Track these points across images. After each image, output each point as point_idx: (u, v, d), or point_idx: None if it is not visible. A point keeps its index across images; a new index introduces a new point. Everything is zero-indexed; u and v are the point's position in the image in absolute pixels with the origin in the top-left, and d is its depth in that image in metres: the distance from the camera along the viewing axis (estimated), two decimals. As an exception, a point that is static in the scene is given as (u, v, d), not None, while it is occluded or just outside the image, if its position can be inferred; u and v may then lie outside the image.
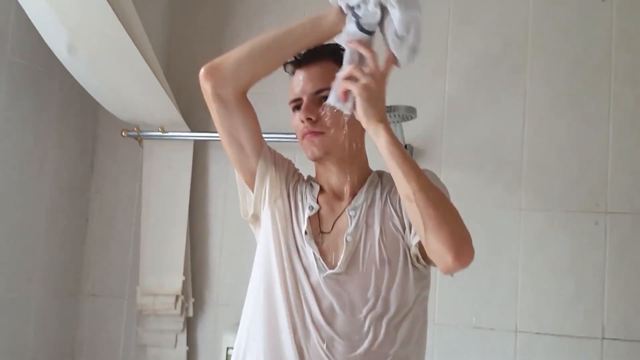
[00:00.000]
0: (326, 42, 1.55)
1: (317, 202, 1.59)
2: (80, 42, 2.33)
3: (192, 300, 2.72)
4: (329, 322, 1.45)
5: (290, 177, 1.66)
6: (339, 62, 1.46)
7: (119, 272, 2.83)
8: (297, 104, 1.57)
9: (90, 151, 2.93)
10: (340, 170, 1.58)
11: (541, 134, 2.47)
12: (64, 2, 2.19)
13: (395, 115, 2.32)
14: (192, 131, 2.75)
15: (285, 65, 1.60)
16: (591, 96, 2.44)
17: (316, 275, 1.49)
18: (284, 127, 2.64)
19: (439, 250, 1.34)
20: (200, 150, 2.80)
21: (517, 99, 2.50)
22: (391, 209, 1.54)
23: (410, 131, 2.49)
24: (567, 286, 2.40)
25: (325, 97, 1.46)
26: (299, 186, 1.64)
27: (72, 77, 2.50)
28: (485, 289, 2.45)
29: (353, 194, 1.58)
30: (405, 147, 2.47)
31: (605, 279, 2.37)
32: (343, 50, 1.46)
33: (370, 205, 1.56)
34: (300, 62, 1.58)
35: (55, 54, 2.39)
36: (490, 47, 2.56)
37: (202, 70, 1.56)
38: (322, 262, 1.50)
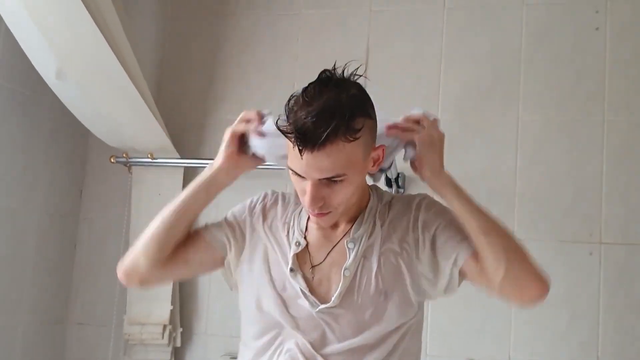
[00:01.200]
0: (335, 110, 1.28)
1: (306, 234, 1.51)
2: (70, 67, 2.31)
3: (180, 329, 2.67)
4: (318, 350, 1.42)
5: (252, 229, 1.55)
6: (348, 134, 1.28)
7: (106, 300, 2.78)
8: (298, 175, 1.37)
9: (79, 177, 2.89)
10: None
11: (534, 163, 2.46)
12: (53, 26, 2.17)
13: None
14: (182, 157, 2.72)
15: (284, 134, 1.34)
16: (584, 125, 2.43)
17: (306, 310, 1.43)
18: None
19: (524, 282, 1.38)
20: (190, 176, 2.76)
21: (509, 128, 2.49)
22: (395, 235, 1.48)
23: (402, 160, 2.47)
24: (561, 317, 2.38)
25: (334, 180, 1.33)
26: (275, 222, 1.55)
27: (61, 102, 2.47)
28: (479, 319, 2.42)
29: (351, 221, 1.50)
30: (398, 175, 2.45)
31: (599, 309, 2.34)
32: (353, 106, 1.31)
33: (370, 236, 1.48)
34: (301, 146, 1.29)
35: (44, 78, 2.36)
36: (482, 76, 2.55)
37: (119, 274, 1.55)
38: (313, 298, 1.43)
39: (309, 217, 1.51)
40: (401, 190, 2.47)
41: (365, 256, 1.46)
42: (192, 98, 2.84)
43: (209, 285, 2.72)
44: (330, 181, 1.34)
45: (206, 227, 1.58)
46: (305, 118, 1.26)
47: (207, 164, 2.64)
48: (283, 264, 1.48)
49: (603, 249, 2.36)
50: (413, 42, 2.61)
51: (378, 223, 1.49)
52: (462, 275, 1.45)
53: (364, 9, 2.70)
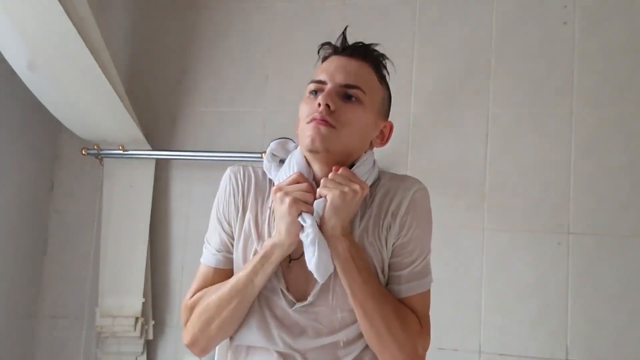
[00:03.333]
0: (371, 44, 1.49)
1: None
2: (41, 58, 2.29)
3: (152, 322, 2.67)
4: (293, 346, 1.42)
5: (236, 214, 1.51)
6: (379, 71, 1.48)
7: (78, 293, 2.77)
8: (317, 88, 1.43)
9: (50, 169, 2.87)
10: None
11: (504, 155, 2.48)
12: (25, 18, 2.15)
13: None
14: (154, 149, 2.72)
15: (321, 46, 1.49)
16: (553, 118, 2.46)
17: (282, 308, 1.43)
18: (249, 146, 2.65)
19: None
20: (161, 169, 2.77)
21: (480, 120, 2.52)
22: (372, 223, 1.45)
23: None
24: (530, 306, 2.41)
25: (350, 97, 1.40)
26: (254, 212, 1.49)
27: (32, 94, 2.45)
28: (449, 309, 2.44)
29: None
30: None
31: (568, 299, 2.37)
32: (385, 64, 1.50)
33: (351, 233, 1.43)
34: (342, 50, 1.46)
35: (15, 70, 2.35)
36: (453, 70, 2.58)
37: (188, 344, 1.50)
38: (290, 297, 1.42)
39: None
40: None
41: None
42: (164, 90, 2.83)
43: (181, 277, 2.72)
44: (346, 96, 1.41)
45: (225, 259, 1.51)
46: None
47: (178, 156, 2.69)
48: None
49: (571, 239, 2.39)
50: (385, 35, 2.62)
51: (357, 222, 1.45)
52: None
53: (337, 1, 2.71)
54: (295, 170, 1.43)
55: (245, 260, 1.46)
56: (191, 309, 1.48)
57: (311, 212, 1.34)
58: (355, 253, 1.37)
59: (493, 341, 2.42)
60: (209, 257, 1.51)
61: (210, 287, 1.47)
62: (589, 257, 2.38)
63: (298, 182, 1.38)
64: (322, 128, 1.37)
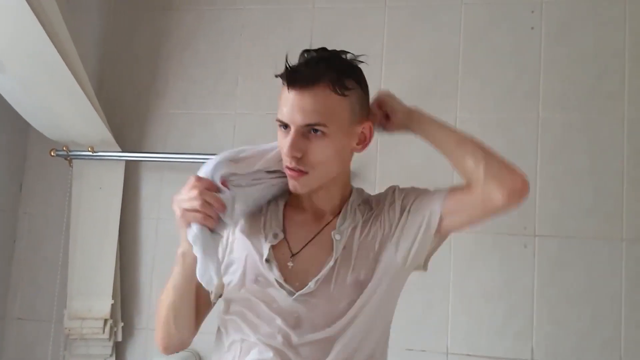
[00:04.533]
0: (322, 56, 1.43)
1: (284, 224, 1.52)
2: (10, 59, 2.28)
3: (121, 324, 2.65)
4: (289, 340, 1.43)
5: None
6: (337, 84, 1.39)
7: (46, 295, 2.75)
8: (283, 129, 1.43)
9: (19, 171, 2.85)
10: (324, 192, 1.52)
11: (472, 158, 2.51)
12: (-7, 18, 2.14)
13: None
14: (124, 151, 2.71)
15: (278, 75, 1.45)
16: (520, 122, 2.49)
17: (281, 300, 1.44)
18: (220, 148, 2.63)
19: (505, 173, 1.45)
20: (131, 170, 2.76)
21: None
22: (375, 227, 1.50)
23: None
24: (497, 308, 2.44)
25: (316, 130, 1.39)
26: (236, 229, 1.54)
27: (0, 95, 2.44)
28: (417, 311, 2.47)
29: (334, 213, 1.53)
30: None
31: (534, 301, 2.41)
32: (346, 66, 1.46)
33: (354, 229, 1.50)
34: (290, 82, 1.40)
35: (-17, 71, 2.33)
36: (422, 74, 2.59)
37: (161, 350, 1.53)
38: (289, 287, 1.44)
39: (285, 204, 1.56)
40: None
41: (345, 247, 1.47)
42: (134, 92, 2.82)
43: (151, 279, 2.72)
44: (311, 132, 1.39)
45: None
46: (300, 62, 1.42)
47: (149, 157, 2.69)
48: (256, 255, 1.49)
49: (537, 241, 2.43)
50: (356, 39, 2.64)
51: (359, 216, 1.52)
52: (442, 219, 1.48)
53: (307, 5, 2.72)
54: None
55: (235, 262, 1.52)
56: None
57: (199, 222, 1.33)
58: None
59: (460, 342, 2.45)
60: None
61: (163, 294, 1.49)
62: (554, 259, 2.42)
63: (195, 186, 1.34)
64: (298, 179, 1.43)
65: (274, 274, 1.45)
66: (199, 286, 1.39)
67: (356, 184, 2.47)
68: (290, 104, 1.39)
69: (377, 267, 1.47)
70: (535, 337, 2.39)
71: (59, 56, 2.26)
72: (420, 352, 2.46)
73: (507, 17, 2.56)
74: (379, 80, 2.61)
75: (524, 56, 2.53)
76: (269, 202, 1.57)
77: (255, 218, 1.54)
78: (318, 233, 1.51)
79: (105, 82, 2.83)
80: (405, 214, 1.50)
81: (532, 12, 2.53)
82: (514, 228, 2.45)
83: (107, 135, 2.61)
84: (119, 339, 2.65)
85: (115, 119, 2.71)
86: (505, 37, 2.55)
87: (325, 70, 1.39)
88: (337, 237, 1.48)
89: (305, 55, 1.44)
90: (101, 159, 2.69)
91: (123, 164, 2.73)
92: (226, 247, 1.54)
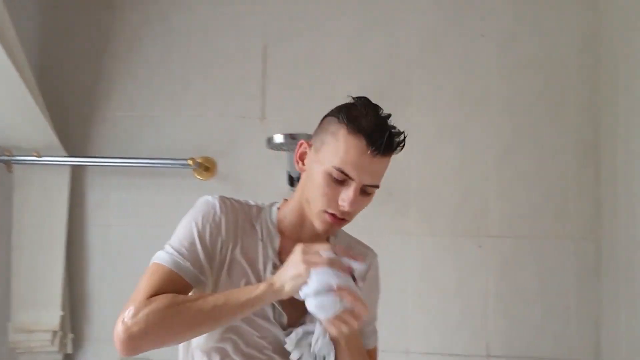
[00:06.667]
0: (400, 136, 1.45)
1: (280, 252, 1.49)
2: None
3: (71, 335, 2.55)
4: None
5: (221, 243, 1.47)
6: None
7: (-17, 307, 2.60)
8: (341, 178, 1.40)
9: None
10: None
11: (428, 162, 2.58)
12: None
13: (294, 144, 2.31)
14: (69, 155, 2.58)
15: (365, 137, 1.40)
16: (472, 126, 2.58)
17: (272, 332, 1.45)
18: (167, 152, 2.58)
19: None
20: (77, 175, 2.64)
21: (403, 129, 2.57)
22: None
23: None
24: (453, 307, 2.53)
25: (367, 192, 1.42)
26: (244, 241, 1.49)
27: None
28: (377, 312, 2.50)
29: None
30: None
31: (488, 299, 2.50)
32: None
33: None
34: (377, 150, 1.39)
35: None
36: (377, 78, 2.63)
37: (116, 338, 1.33)
38: (281, 323, 1.46)
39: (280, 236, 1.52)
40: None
41: None
42: (77, 93, 2.70)
43: (100, 289, 2.62)
44: (366, 191, 1.42)
45: (191, 273, 1.43)
46: (382, 124, 1.41)
47: (94, 162, 2.57)
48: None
49: (490, 241, 2.53)
50: (310, 42, 2.65)
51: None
52: None
53: (259, 7, 2.69)
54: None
55: (232, 285, 1.44)
56: (153, 303, 1.34)
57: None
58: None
59: (419, 341, 2.52)
60: (176, 263, 1.41)
61: (183, 296, 1.38)
62: (507, 259, 2.53)
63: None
64: (337, 225, 1.45)
65: (271, 307, 1.45)
66: None
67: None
68: (366, 166, 1.39)
69: None
70: (490, 333, 2.49)
71: (5, 53, 2.10)
72: (380, 352, 2.46)
73: (459, 24, 2.63)
74: (334, 83, 2.62)
75: (474, 62, 2.61)
76: (246, 237, 1.51)
77: (253, 241, 1.50)
78: None
79: (46, 82, 2.64)
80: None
81: (482, 19, 2.61)
82: (468, 229, 2.54)
83: (53, 139, 2.48)
84: (69, 350, 2.55)
85: (58, 121, 2.56)
86: (457, 43, 2.62)
87: (403, 138, 1.45)
88: None
89: (368, 107, 1.48)
90: (45, 163, 2.54)
91: (69, 169, 2.60)
92: (223, 264, 1.47)
